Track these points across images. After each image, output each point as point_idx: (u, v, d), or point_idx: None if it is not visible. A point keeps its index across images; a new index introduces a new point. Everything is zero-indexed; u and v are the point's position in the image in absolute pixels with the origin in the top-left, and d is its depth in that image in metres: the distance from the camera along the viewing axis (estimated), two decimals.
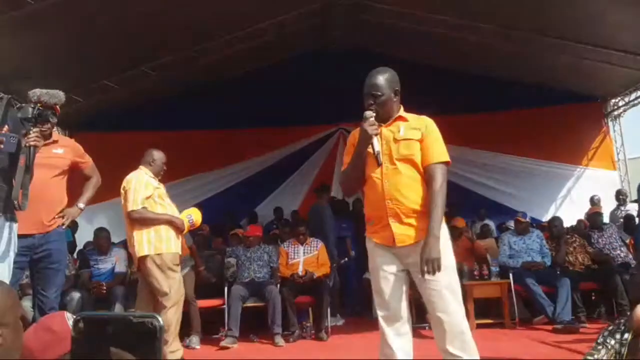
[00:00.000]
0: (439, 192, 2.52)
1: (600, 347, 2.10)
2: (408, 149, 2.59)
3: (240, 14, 7.63)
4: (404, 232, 2.54)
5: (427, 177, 2.57)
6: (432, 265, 2.39)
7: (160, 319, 0.89)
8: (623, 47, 7.79)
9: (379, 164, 2.55)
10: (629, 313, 5.39)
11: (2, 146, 2.21)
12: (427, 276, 2.43)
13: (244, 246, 6.37)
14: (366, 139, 2.56)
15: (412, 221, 2.54)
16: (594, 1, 6.63)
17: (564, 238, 6.62)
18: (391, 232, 2.55)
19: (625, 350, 2.04)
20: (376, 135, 2.56)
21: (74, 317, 0.92)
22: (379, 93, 2.60)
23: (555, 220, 6.87)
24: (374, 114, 2.58)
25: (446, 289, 2.49)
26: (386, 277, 2.58)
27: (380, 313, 2.61)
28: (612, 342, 2.10)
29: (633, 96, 9.28)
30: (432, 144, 2.61)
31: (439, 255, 2.41)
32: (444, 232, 2.55)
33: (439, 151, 2.61)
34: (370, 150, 2.57)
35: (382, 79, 2.64)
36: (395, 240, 2.54)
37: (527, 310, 6.42)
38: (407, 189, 2.55)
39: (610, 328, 2.09)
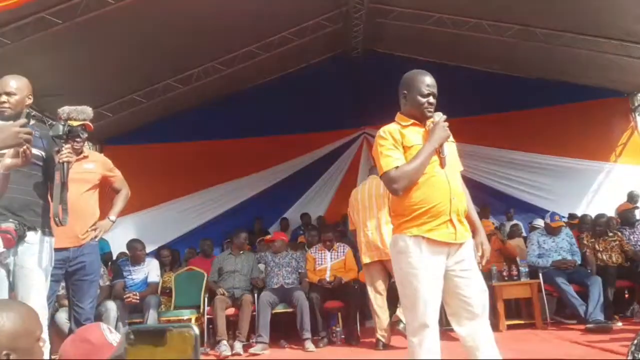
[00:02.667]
0: (468, 196, 2.77)
1: None
2: (453, 151, 2.74)
3: (263, 24, 7.75)
4: (462, 231, 2.60)
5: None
6: (487, 254, 2.67)
7: (195, 328, 1.01)
8: None
9: (443, 166, 2.62)
10: None
11: (31, 137, 2.29)
12: (472, 274, 2.58)
13: (272, 252, 6.44)
14: (443, 139, 2.62)
15: (464, 221, 2.65)
16: None
17: (603, 236, 6.53)
18: (454, 228, 2.57)
19: None
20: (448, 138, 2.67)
21: (125, 329, 1.00)
22: (436, 93, 2.70)
23: (600, 217, 6.76)
24: (444, 117, 2.67)
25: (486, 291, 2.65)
26: (436, 280, 2.54)
27: (427, 318, 2.50)
28: None
29: None
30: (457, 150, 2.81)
31: (487, 246, 2.73)
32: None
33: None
34: (439, 150, 2.64)
35: (435, 82, 2.72)
36: (457, 236, 2.57)
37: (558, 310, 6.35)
38: (461, 190, 2.69)
39: (636, 342, 2.03)
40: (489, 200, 9.28)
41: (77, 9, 5.98)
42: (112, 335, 1.60)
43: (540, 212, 8.42)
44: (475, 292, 2.56)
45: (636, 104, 9.62)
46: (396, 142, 2.63)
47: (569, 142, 9.11)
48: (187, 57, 8.01)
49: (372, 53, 9.64)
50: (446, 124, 2.64)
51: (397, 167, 2.56)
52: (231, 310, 5.99)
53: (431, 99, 2.67)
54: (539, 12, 7.46)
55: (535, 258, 6.36)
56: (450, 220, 2.56)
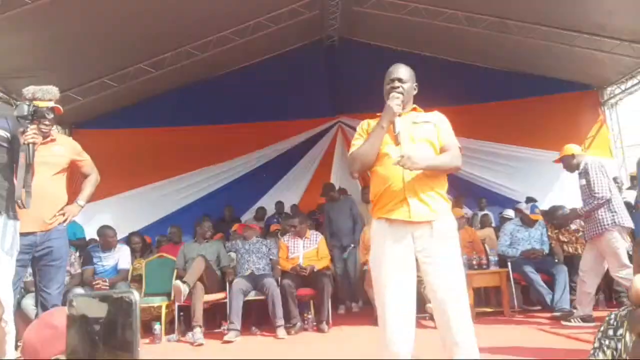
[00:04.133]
0: (448, 154, 2.66)
1: (598, 351, 2.08)
2: (426, 132, 2.69)
3: (238, 9, 7.65)
4: (420, 209, 2.54)
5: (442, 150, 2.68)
6: (409, 160, 2.48)
7: (136, 293, 1.06)
8: (617, 34, 7.79)
9: (398, 143, 2.61)
10: (625, 300, 5.44)
11: None
12: (437, 260, 2.49)
13: (242, 239, 6.42)
14: (390, 116, 2.63)
15: (429, 200, 2.56)
16: None
17: (565, 227, 6.65)
18: (408, 207, 2.53)
19: (622, 346, 2.03)
20: (399, 114, 2.65)
21: (68, 298, 1.07)
22: (405, 79, 2.72)
23: (557, 209, 6.85)
24: (401, 96, 2.67)
25: (459, 279, 2.52)
26: (400, 266, 2.52)
27: (386, 303, 2.49)
28: (608, 342, 2.08)
29: (629, 84, 9.27)
30: (446, 130, 2.74)
31: (418, 159, 2.51)
32: (452, 217, 2.66)
33: (453, 136, 2.75)
34: (391, 129, 2.64)
35: (408, 71, 2.78)
36: (411, 214, 2.52)
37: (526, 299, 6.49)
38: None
39: (602, 329, 2.08)
40: (461, 191, 9.41)
41: None
42: None
43: (510, 203, 8.57)
44: (440, 280, 2.50)
45: (605, 98, 9.82)
46: (363, 131, 2.72)
47: (540, 134, 9.26)
48: (160, 41, 7.86)
49: (348, 42, 9.62)
50: (397, 99, 2.64)
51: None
52: None
53: (394, 84, 2.70)
54: (513, 4, 7.55)
55: (505, 247, 6.47)
56: (405, 199, 2.55)
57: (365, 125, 2.76)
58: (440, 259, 2.51)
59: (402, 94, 2.68)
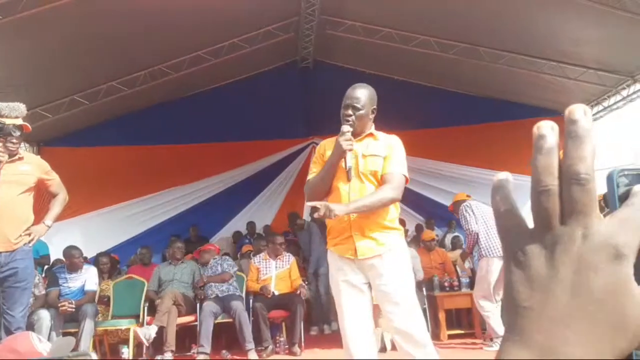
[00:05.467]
0: (384, 189, 2.58)
1: None
2: (374, 164, 2.65)
3: (213, 29, 7.66)
4: (366, 245, 2.57)
5: (381, 183, 2.62)
6: (327, 209, 2.42)
7: (93, 355, 0.90)
8: (584, 62, 8.06)
9: (349, 179, 2.60)
10: None
11: None
12: (389, 289, 2.51)
13: (201, 264, 6.35)
14: (340, 154, 2.59)
15: (376, 235, 2.58)
16: (554, 18, 6.86)
17: None
18: (353, 244, 2.57)
19: None
20: (350, 150, 2.60)
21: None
22: (359, 106, 2.66)
23: None
24: (351, 129, 2.62)
25: (408, 302, 2.56)
26: (346, 289, 2.59)
27: (345, 327, 2.57)
28: None
29: (595, 110, 9.56)
30: (394, 158, 2.68)
31: (338, 209, 2.45)
32: (403, 246, 2.67)
33: (400, 164, 2.68)
34: (342, 164, 2.62)
35: (365, 94, 2.70)
36: (357, 252, 2.56)
37: None
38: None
39: None
40: (432, 213, 9.50)
41: (18, 5, 5.71)
42: (41, 344, 1.53)
43: None
44: (392, 307, 2.55)
45: None
46: (319, 157, 2.74)
47: (508, 158, 9.40)
48: (132, 59, 7.81)
49: (322, 64, 9.71)
50: (348, 136, 2.61)
51: (308, 181, 2.68)
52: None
53: (349, 111, 2.66)
54: (484, 31, 7.74)
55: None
56: (351, 237, 2.57)
57: (322, 149, 2.76)
58: (385, 289, 2.55)
59: (352, 126, 2.64)
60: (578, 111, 0.42)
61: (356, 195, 2.58)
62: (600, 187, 0.41)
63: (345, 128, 2.61)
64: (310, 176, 2.75)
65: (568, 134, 0.42)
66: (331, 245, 2.66)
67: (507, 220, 0.43)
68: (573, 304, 0.38)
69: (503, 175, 0.45)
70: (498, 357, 0.40)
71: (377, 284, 2.57)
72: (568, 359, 0.37)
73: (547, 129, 0.43)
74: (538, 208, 0.41)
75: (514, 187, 0.45)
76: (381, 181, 2.63)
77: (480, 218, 5.39)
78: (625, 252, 0.39)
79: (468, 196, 5.88)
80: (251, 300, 5.98)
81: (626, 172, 0.44)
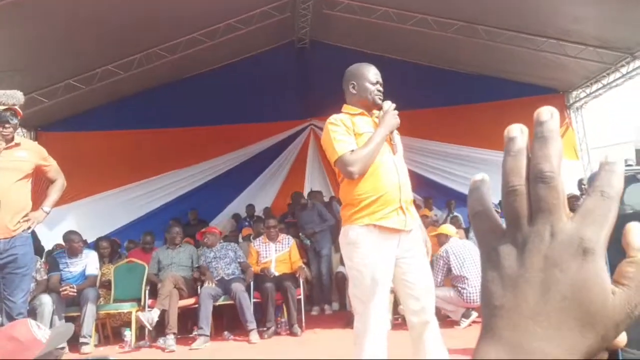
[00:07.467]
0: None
1: None
2: (400, 143, 2.77)
3: (208, 10, 7.58)
4: (410, 218, 2.63)
5: None
6: (430, 249, 2.77)
7: (111, 357, 0.88)
8: (583, 40, 7.98)
9: (395, 152, 2.68)
10: None
11: None
12: (423, 259, 2.67)
13: (206, 247, 6.36)
14: (393, 126, 2.67)
15: (411, 208, 2.69)
16: None
17: None
18: (404, 215, 2.59)
19: None
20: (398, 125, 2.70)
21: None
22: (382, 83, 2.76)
23: None
24: (394, 105, 2.70)
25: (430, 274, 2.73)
26: (388, 271, 2.56)
27: (379, 309, 2.53)
28: None
29: (594, 88, 9.51)
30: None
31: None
32: None
33: None
34: (390, 138, 2.69)
35: None
36: (407, 223, 2.59)
37: None
38: (408, 179, 2.72)
39: None
40: (431, 193, 9.50)
41: None
42: (40, 331, 1.53)
43: None
44: (420, 277, 2.61)
45: (571, 101, 10.07)
46: (348, 129, 2.64)
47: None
48: (128, 43, 7.73)
49: (319, 44, 9.63)
50: (396, 112, 2.69)
51: (352, 151, 2.56)
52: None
53: (379, 87, 2.73)
54: (482, 9, 7.65)
55: None
56: (401, 208, 2.59)
57: (348, 122, 2.66)
58: (418, 258, 2.65)
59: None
60: (545, 113, 0.42)
61: (401, 171, 2.66)
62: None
63: (389, 104, 2.70)
64: (342, 145, 2.58)
65: (535, 135, 0.42)
66: (373, 220, 2.53)
67: (481, 221, 0.44)
68: (541, 302, 0.39)
69: (479, 176, 0.46)
70: (474, 356, 0.40)
71: (411, 254, 2.61)
72: (536, 353, 0.38)
73: (516, 131, 0.44)
74: (507, 208, 0.42)
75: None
76: None
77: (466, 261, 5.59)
78: (590, 246, 0.39)
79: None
80: (251, 282, 6.00)
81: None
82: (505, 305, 0.40)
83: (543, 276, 0.39)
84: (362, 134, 2.63)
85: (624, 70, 8.63)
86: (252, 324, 5.59)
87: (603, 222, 0.39)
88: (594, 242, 0.39)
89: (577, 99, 10.01)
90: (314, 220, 7.31)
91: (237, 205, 9.76)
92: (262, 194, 9.95)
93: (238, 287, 5.72)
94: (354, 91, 2.73)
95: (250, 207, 9.31)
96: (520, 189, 0.41)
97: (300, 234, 7.30)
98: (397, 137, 2.73)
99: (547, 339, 0.38)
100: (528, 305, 0.39)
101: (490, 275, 0.41)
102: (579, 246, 0.39)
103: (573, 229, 0.39)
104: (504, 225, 0.43)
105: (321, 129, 10.65)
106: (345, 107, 2.77)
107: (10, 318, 3.23)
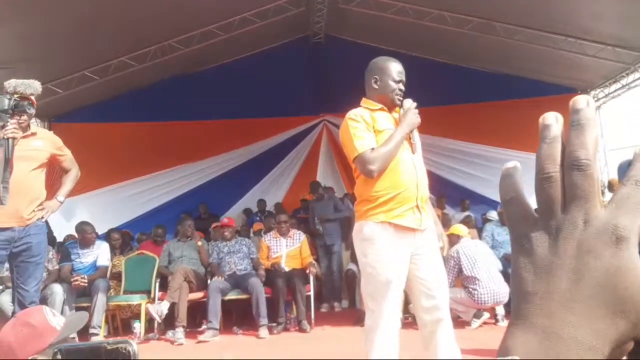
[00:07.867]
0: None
1: None
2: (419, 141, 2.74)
3: (223, 3, 7.57)
4: (426, 217, 2.62)
5: None
6: (447, 244, 2.77)
7: (134, 343, 0.87)
8: (602, 39, 7.87)
9: (414, 152, 2.66)
10: None
11: None
12: (438, 258, 2.65)
13: (222, 240, 6.34)
14: (414, 125, 2.65)
15: (427, 207, 2.67)
16: None
17: None
18: (420, 214, 2.57)
19: None
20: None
21: (54, 349, 0.88)
22: (405, 82, 2.74)
23: None
24: (416, 104, 2.69)
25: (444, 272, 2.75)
26: (402, 268, 2.53)
27: (392, 307, 2.50)
28: None
29: (613, 88, 9.39)
30: None
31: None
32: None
33: None
34: (410, 136, 2.66)
35: None
36: (422, 222, 2.58)
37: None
38: (426, 178, 2.70)
39: None
40: (444, 192, 9.43)
41: None
42: (55, 318, 1.52)
43: (494, 204, 8.61)
44: (433, 274, 2.58)
45: None
46: (368, 125, 2.61)
47: (523, 136, 9.29)
48: (143, 35, 7.73)
49: (334, 39, 9.57)
50: (417, 110, 2.66)
51: (372, 149, 2.52)
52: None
53: (401, 86, 2.69)
54: (500, 6, 7.57)
55: None
56: (417, 206, 2.57)
57: (368, 117, 2.62)
58: (432, 255, 2.63)
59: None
60: (581, 101, 0.42)
61: (420, 169, 2.64)
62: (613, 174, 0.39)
63: (409, 102, 2.69)
64: (362, 142, 2.55)
65: (571, 122, 0.42)
66: (389, 217, 2.51)
67: (513, 208, 0.44)
68: (574, 289, 0.39)
69: (511, 164, 0.46)
70: (503, 342, 0.40)
71: (425, 251, 2.59)
72: (568, 341, 0.38)
73: (551, 119, 0.44)
74: (541, 195, 0.42)
75: (529, 165, 0.45)
76: None
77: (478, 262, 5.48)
78: (624, 234, 0.39)
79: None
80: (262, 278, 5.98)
81: None
82: (537, 292, 0.40)
83: (576, 263, 0.39)
84: (383, 131, 2.59)
85: None
86: (264, 319, 5.58)
87: (637, 210, 0.39)
88: (628, 230, 0.39)
89: (595, 99, 9.88)
90: (328, 212, 7.30)
91: (248, 200, 9.75)
92: (273, 190, 9.94)
93: (256, 283, 5.71)
94: (376, 86, 2.70)
95: (262, 202, 9.30)
96: (555, 176, 0.41)
97: (315, 218, 7.29)
98: (416, 135, 2.68)
99: (580, 325, 0.38)
100: (560, 292, 0.39)
101: (522, 262, 0.42)
102: (612, 234, 0.39)
103: (607, 217, 0.39)
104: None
105: (334, 124, 10.70)
106: (365, 102, 2.72)
107: (23, 306, 3.24)
